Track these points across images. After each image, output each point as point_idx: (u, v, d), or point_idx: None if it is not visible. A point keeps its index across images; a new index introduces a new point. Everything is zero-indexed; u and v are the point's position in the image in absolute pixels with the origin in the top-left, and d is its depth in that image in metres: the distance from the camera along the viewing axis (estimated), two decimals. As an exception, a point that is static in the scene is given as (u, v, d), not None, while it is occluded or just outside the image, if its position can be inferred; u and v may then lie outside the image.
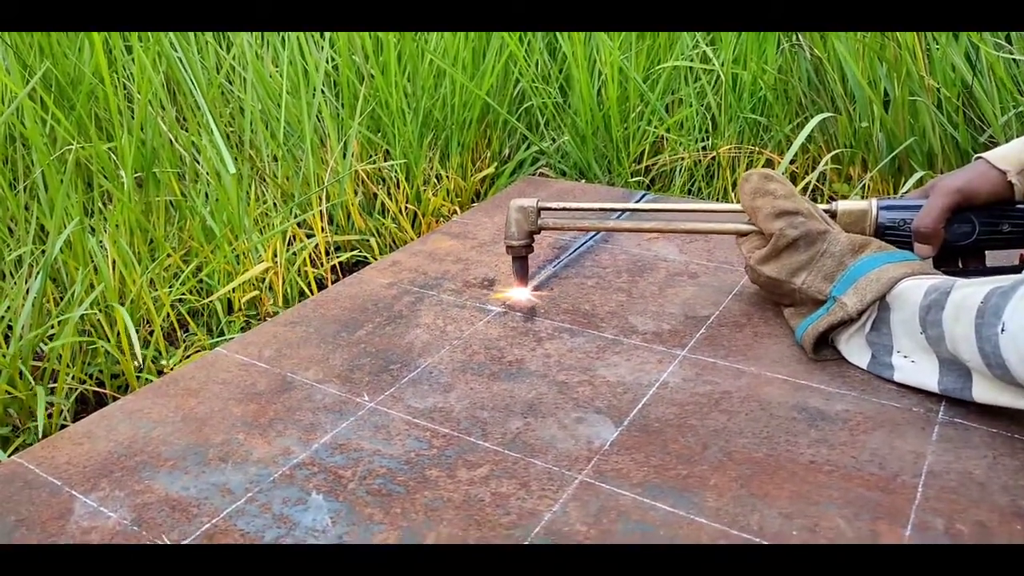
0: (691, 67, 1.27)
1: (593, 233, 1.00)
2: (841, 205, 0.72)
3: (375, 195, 1.20)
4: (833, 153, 1.10)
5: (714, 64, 1.26)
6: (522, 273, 0.83)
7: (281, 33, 1.20)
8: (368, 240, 1.14)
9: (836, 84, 1.08)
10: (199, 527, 0.56)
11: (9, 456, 0.66)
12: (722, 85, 1.23)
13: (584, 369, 0.72)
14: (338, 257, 1.08)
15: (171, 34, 1.07)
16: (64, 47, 1.08)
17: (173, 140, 1.04)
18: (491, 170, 1.32)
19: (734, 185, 1.24)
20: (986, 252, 0.71)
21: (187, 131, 1.11)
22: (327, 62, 1.21)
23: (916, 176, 0.99)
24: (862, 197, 1.08)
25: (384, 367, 0.74)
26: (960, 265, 0.71)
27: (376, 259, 1.10)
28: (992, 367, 0.54)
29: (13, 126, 0.97)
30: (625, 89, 1.29)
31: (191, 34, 1.14)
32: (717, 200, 1.20)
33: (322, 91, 1.15)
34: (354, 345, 0.79)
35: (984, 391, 0.58)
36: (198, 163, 1.05)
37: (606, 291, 0.86)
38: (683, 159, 1.26)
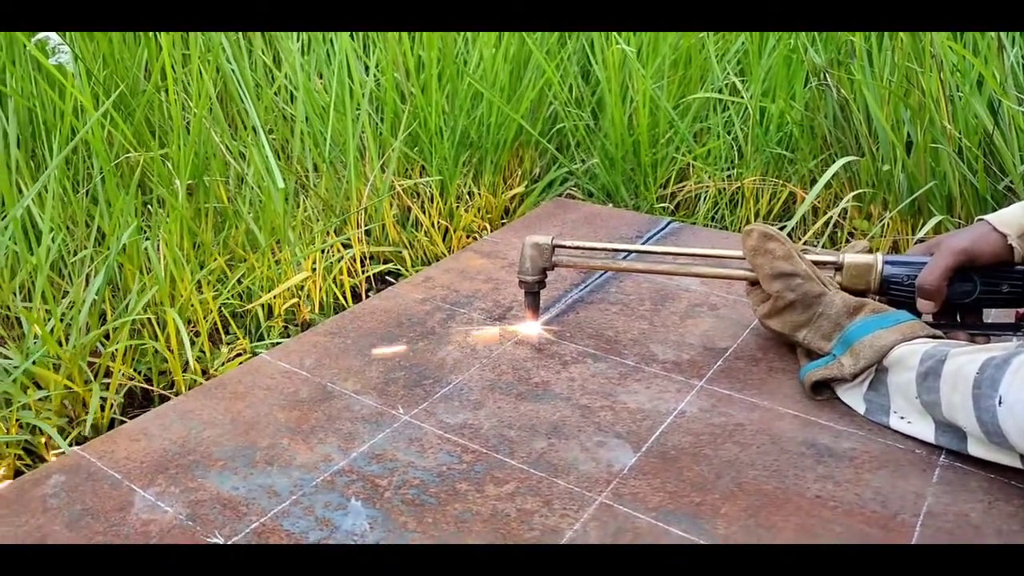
0: (720, 99, 1.31)
1: (622, 259, 1.05)
2: (847, 258, 0.76)
3: (409, 209, 1.25)
4: (855, 193, 1.13)
5: (743, 96, 1.30)
6: (534, 307, 0.87)
7: (328, 49, 1.25)
8: (401, 252, 1.19)
9: (861, 124, 1.12)
10: (248, 525, 0.61)
11: (71, 448, 0.72)
12: (750, 117, 1.27)
13: (606, 394, 0.76)
14: (373, 268, 1.13)
15: (226, 47, 1.13)
16: (126, 58, 1.14)
17: (225, 150, 1.09)
18: (521, 189, 1.37)
19: (757, 215, 1.28)
20: (984, 309, 0.75)
21: (237, 139, 1.16)
22: (372, 78, 1.27)
23: (934, 220, 1.02)
24: (874, 247, 1.12)
25: (418, 381, 0.79)
26: (959, 319, 0.74)
27: (408, 271, 1.15)
28: (990, 435, 0.58)
29: (76, 130, 1.03)
30: (655, 116, 1.33)
31: (244, 47, 1.19)
32: (739, 230, 1.24)
33: (366, 110, 1.20)
34: (389, 359, 0.84)
35: (979, 449, 0.62)
36: (246, 174, 1.10)
37: (629, 318, 0.91)
38: (708, 188, 1.30)
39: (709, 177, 1.30)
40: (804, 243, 1.16)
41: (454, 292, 0.98)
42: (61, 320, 0.85)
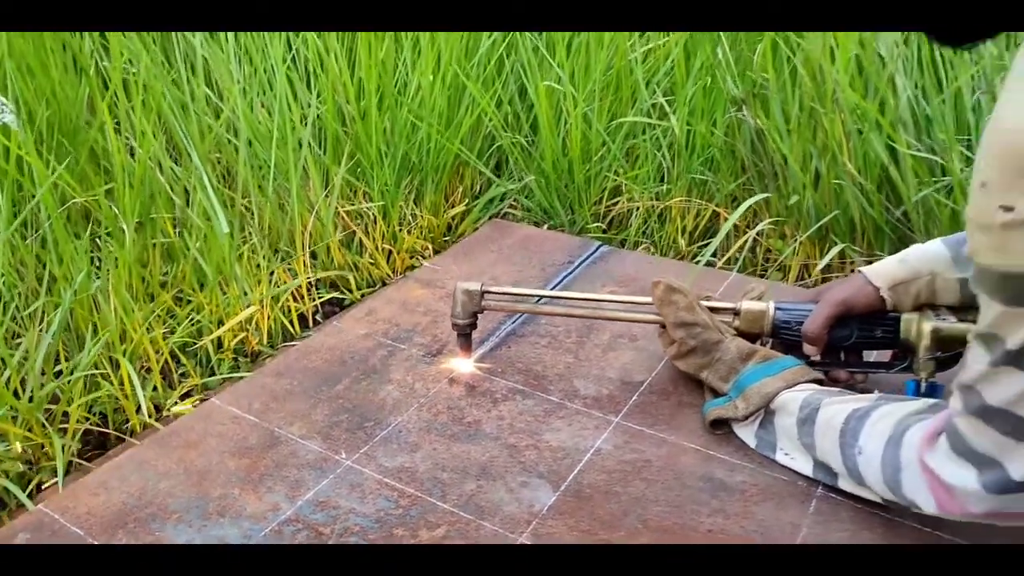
0: (648, 122, 1.38)
1: (553, 288, 1.12)
2: (744, 306, 0.84)
3: (354, 232, 1.30)
4: (770, 221, 1.22)
5: (671, 119, 1.37)
6: (466, 346, 0.94)
7: (269, 77, 1.28)
8: (346, 275, 1.24)
9: (776, 153, 1.20)
10: (204, 577, 0.67)
11: (36, 502, 0.77)
12: (676, 140, 1.35)
13: (532, 433, 0.84)
14: (319, 296, 1.19)
15: (167, 83, 1.15)
16: (68, 93, 1.16)
17: (169, 188, 1.12)
18: (462, 208, 1.42)
19: (683, 231, 1.36)
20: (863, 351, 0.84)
21: (180, 172, 1.19)
22: (314, 108, 1.30)
23: (837, 248, 1.12)
24: (788, 264, 1.21)
25: (360, 424, 0.86)
26: (841, 358, 0.84)
27: (354, 292, 1.21)
28: (854, 478, 0.68)
29: (21, 184, 1.05)
30: (588, 137, 1.40)
31: (186, 83, 1.21)
32: (664, 251, 1.32)
33: (308, 142, 1.24)
34: (334, 400, 0.90)
35: (848, 485, 0.71)
36: (190, 211, 1.14)
37: (557, 351, 0.98)
38: (639, 206, 1.37)
39: (639, 196, 1.38)
40: (728, 259, 1.24)
41: (395, 326, 1.04)
42: (18, 370, 0.90)
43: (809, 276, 1.20)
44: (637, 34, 1.46)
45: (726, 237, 1.31)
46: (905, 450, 0.62)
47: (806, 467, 0.75)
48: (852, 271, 1.17)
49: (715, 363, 0.82)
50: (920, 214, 1.09)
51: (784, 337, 0.84)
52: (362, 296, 1.21)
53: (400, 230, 1.32)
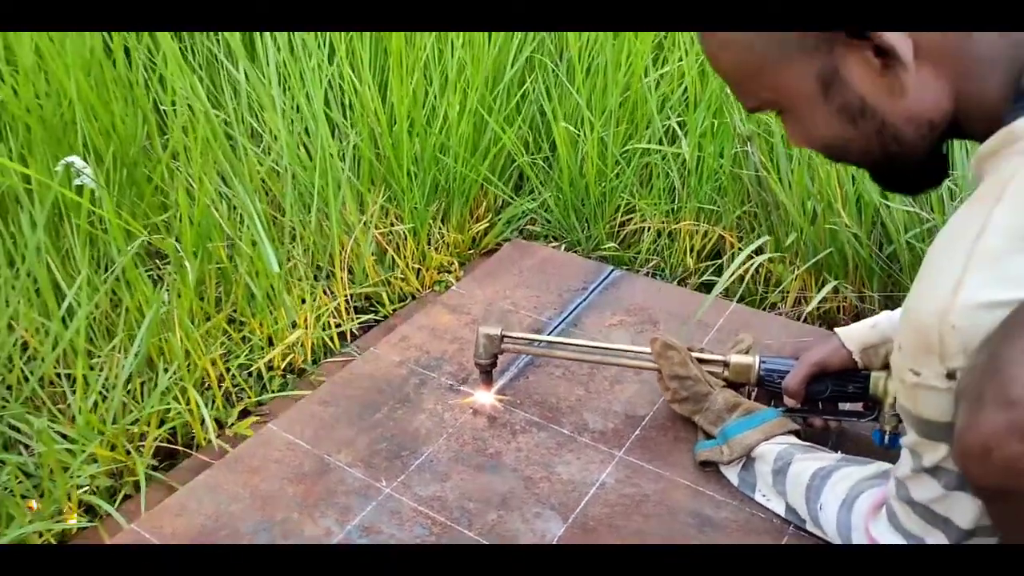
0: (660, 150, 1.47)
1: (566, 318, 1.24)
2: (733, 359, 0.96)
3: (386, 251, 1.42)
4: (768, 256, 1.31)
5: (682, 146, 1.46)
6: (487, 381, 1.06)
7: (314, 115, 1.38)
8: (380, 292, 1.36)
9: (777, 186, 1.29)
10: (273, 594, 0.82)
11: (122, 513, 0.92)
12: (686, 164, 1.43)
13: (545, 465, 0.97)
14: (355, 317, 1.31)
15: (221, 120, 1.26)
16: (127, 125, 1.27)
17: (223, 224, 1.24)
18: (486, 224, 1.53)
19: (691, 250, 1.46)
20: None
21: (233, 199, 1.31)
22: (351, 138, 1.40)
23: (830, 285, 1.22)
24: (787, 288, 1.31)
25: (397, 452, 1.00)
26: (819, 406, 0.96)
27: (386, 306, 1.33)
28: (817, 527, 0.80)
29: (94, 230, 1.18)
30: (604, 158, 1.49)
31: (240, 122, 1.32)
32: (673, 268, 1.43)
33: (348, 174, 1.35)
34: (374, 428, 1.04)
35: (814, 529, 0.84)
36: (241, 242, 1.25)
37: (570, 383, 1.11)
38: (650, 226, 1.47)
39: (651, 216, 1.48)
40: (728, 289, 1.35)
41: (425, 354, 1.17)
42: (102, 397, 1.04)
43: (807, 304, 1.30)
44: (651, 58, 1.53)
45: (731, 258, 1.41)
46: (855, 516, 0.74)
47: (779, 508, 0.88)
48: (841, 305, 1.27)
49: (705, 411, 0.94)
50: (907, 255, 1.19)
51: (768, 386, 0.95)
52: (394, 311, 1.34)
53: (428, 248, 1.44)
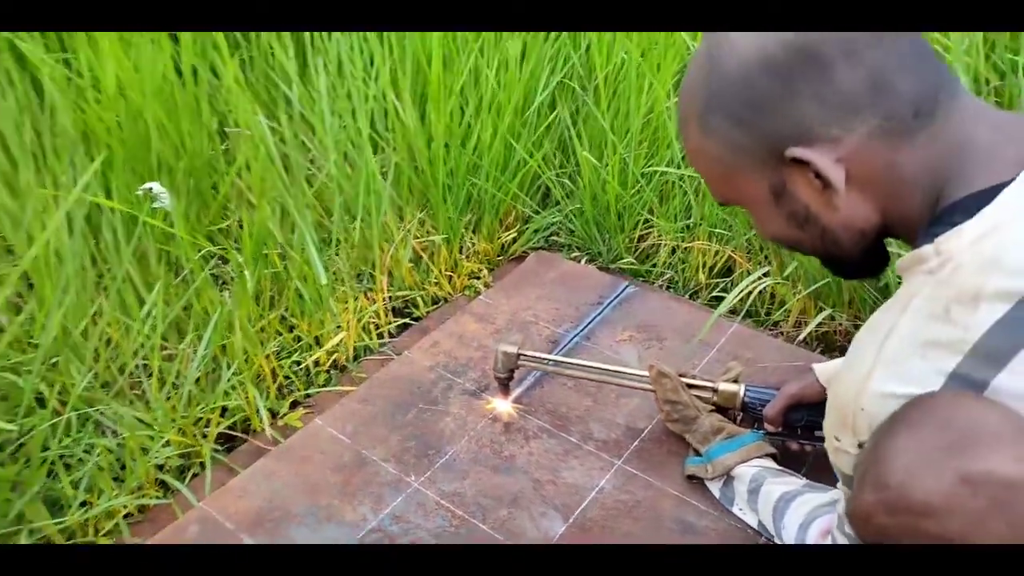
0: (677, 173, 1.57)
1: (581, 331, 1.37)
2: (721, 386, 1.08)
3: (421, 258, 1.56)
4: (776, 280, 1.42)
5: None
6: (504, 391, 1.20)
7: (359, 132, 1.51)
8: (415, 296, 1.51)
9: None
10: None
11: (191, 491, 1.09)
12: (701, 187, 1.54)
13: (553, 469, 1.12)
14: (392, 320, 1.46)
15: (274, 143, 1.40)
16: (194, 140, 1.42)
17: (276, 233, 1.39)
18: (514, 232, 1.66)
19: (703, 265, 1.57)
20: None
21: (286, 215, 1.46)
22: (392, 157, 1.54)
23: (825, 312, 1.33)
24: (793, 307, 1.42)
25: (424, 451, 1.15)
26: (797, 431, 1.08)
27: (420, 308, 1.48)
28: (783, 543, 0.94)
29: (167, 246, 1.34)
30: (625, 177, 1.60)
31: (295, 137, 1.46)
32: (687, 282, 1.55)
33: (389, 191, 1.48)
34: (405, 427, 1.19)
35: (781, 543, 0.97)
36: (291, 250, 1.41)
37: (580, 393, 1.24)
38: (665, 243, 1.59)
39: (666, 234, 1.59)
40: (733, 308, 1.46)
41: (453, 359, 1.32)
42: (175, 388, 1.21)
43: (805, 326, 1.41)
44: (672, 84, 1.63)
45: (740, 276, 1.52)
46: (809, 538, 0.87)
47: (753, 522, 1.01)
48: (835, 333, 1.38)
49: (694, 432, 1.07)
50: (896, 288, 1.29)
51: (751, 412, 1.08)
52: (427, 313, 1.49)
53: (460, 256, 1.57)
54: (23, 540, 1.00)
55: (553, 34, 1.69)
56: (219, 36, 1.42)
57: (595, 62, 1.62)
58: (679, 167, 1.60)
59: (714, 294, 1.53)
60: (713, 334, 1.35)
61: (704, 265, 1.57)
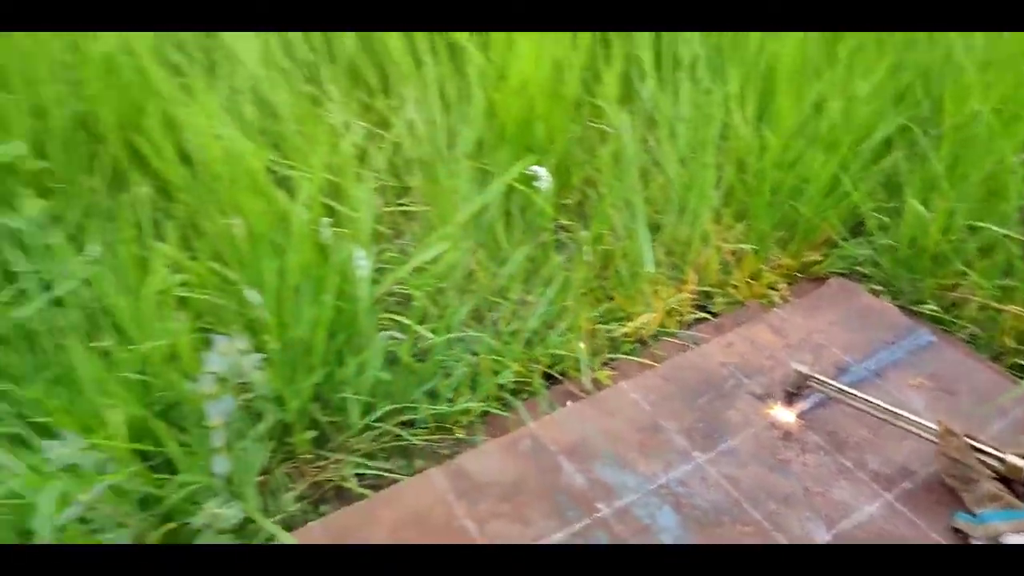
0: (1008, 235, 1.56)
1: (870, 367, 1.47)
2: (1009, 458, 1.14)
3: (728, 262, 1.73)
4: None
5: (1034, 235, 1.54)
6: (788, 403, 1.35)
7: (702, 143, 1.70)
8: (715, 294, 1.69)
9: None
10: (612, 503, 1.24)
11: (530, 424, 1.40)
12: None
13: (824, 483, 1.27)
14: (693, 313, 1.66)
15: (630, 141, 1.64)
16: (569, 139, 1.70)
17: (615, 220, 1.64)
18: (820, 256, 1.76)
19: (1013, 329, 1.57)
20: None
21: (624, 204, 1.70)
22: (725, 169, 1.71)
23: None
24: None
25: (710, 433, 1.35)
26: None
27: (718, 305, 1.66)
28: None
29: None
30: (949, 228, 1.62)
31: (658, 145, 1.69)
32: (996, 337, 1.56)
33: (716, 199, 1.66)
34: (697, 410, 1.40)
35: None
36: (624, 233, 1.64)
37: (859, 424, 1.36)
38: (976, 298, 1.60)
39: (980, 290, 1.60)
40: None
41: (746, 362, 1.49)
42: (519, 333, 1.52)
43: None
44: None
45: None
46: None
47: None
48: None
49: (971, 492, 1.16)
50: None
51: (1034, 489, 1.14)
52: (721, 311, 1.67)
53: (764, 267, 1.72)
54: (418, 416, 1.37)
55: (903, 74, 1.72)
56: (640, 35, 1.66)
57: (947, 109, 1.64)
58: (1009, 227, 1.59)
59: (1020, 361, 1.53)
60: (1010, 402, 1.38)
61: (1014, 329, 1.57)
